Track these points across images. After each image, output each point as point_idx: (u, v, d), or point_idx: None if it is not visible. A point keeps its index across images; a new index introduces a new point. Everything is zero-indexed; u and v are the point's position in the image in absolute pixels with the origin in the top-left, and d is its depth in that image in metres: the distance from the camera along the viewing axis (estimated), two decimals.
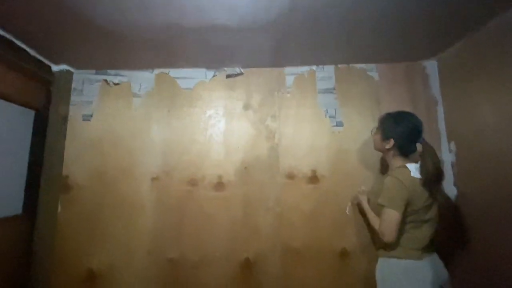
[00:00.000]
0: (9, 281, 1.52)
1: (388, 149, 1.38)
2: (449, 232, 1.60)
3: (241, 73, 1.88)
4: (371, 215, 1.40)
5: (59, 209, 1.71)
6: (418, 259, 1.23)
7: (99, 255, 1.68)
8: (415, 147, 1.35)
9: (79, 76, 1.86)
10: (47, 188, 1.71)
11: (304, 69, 1.86)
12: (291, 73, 1.86)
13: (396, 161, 1.36)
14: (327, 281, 1.63)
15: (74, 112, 1.82)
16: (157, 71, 1.88)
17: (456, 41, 1.58)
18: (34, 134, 1.71)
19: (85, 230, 1.69)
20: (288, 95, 1.84)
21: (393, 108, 1.77)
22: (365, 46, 1.59)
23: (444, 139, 1.72)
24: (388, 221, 1.23)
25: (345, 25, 1.37)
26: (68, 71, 1.82)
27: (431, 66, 1.79)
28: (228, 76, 1.88)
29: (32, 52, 1.58)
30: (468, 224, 1.53)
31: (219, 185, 1.75)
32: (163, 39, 1.47)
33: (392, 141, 1.35)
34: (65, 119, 1.80)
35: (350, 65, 1.84)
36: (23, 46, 1.52)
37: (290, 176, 1.75)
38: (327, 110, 1.81)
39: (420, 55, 1.74)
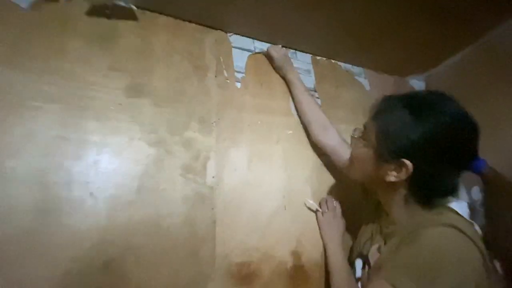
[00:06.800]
0: None
1: (395, 183, 0.59)
2: None
3: None
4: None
5: None
6: None
7: None
8: (458, 179, 0.60)
9: None
10: None
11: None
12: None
13: (411, 211, 0.60)
14: None
15: None
16: None
17: (443, 60, 1.30)
18: None
19: None
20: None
21: None
22: (348, 42, 1.04)
23: None
24: None
25: None
26: None
27: (418, 84, 1.40)
28: None
29: None
30: None
31: None
32: None
33: (409, 166, 0.56)
34: None
35: (333, 60, 1.16)
36: None
37: None
38: None
39: (407, 71, 1.34)
